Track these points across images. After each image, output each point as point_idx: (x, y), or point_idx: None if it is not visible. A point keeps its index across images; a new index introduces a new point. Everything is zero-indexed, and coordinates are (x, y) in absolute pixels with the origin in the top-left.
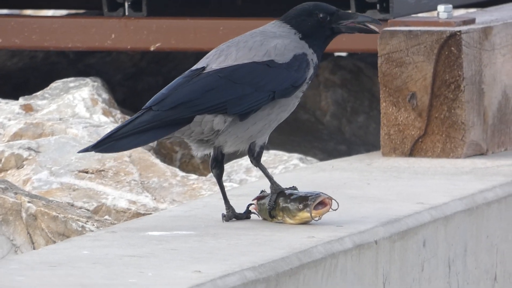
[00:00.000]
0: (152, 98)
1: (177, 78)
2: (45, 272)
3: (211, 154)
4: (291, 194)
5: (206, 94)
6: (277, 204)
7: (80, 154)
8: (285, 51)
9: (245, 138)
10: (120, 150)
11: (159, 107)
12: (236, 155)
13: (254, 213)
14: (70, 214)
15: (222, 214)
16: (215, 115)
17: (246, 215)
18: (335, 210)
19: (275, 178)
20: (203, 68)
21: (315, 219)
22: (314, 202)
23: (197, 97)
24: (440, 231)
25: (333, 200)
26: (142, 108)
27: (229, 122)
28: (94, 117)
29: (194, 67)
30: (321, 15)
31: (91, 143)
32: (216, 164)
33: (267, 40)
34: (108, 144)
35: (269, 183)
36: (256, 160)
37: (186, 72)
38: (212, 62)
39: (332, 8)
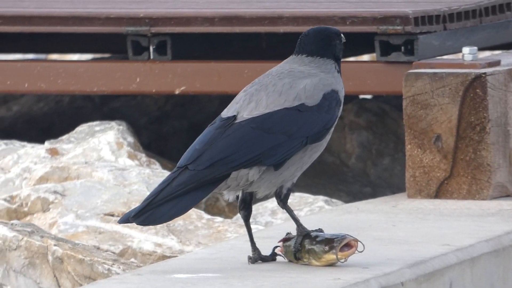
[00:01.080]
0: (186, 154)
1: (208, 128)
2: None
3: (239, 195)
4: (317, 236)
5: (240, 149)
6: (303, 246)
7: (106, 197)
8: (314, 91)
9: (278, 182)
10: (161, 222)
11: (195, 166)
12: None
13: (280, 255)
14: (96, 257)
15: (248, 256)
16: (250, 168)
17: (272, 257)
18: (361, 252)
19: (301, 220)
20: (234, 117)
21: (341, 261)
22: (340, 244)
23: (232, 152)
24: (466, 273)
25: (359, 242)
26: (177, 166)
27: (263, 171)
28: (120, 161)
29: (224, 114)
30: (342, 36)
31: (131, 209)
32: (244, 206)
33: (296, 82)
34: (148, 212)
35: (295, 225)
36: (283, 202)
37: (217, 122)
38: (243, 109)
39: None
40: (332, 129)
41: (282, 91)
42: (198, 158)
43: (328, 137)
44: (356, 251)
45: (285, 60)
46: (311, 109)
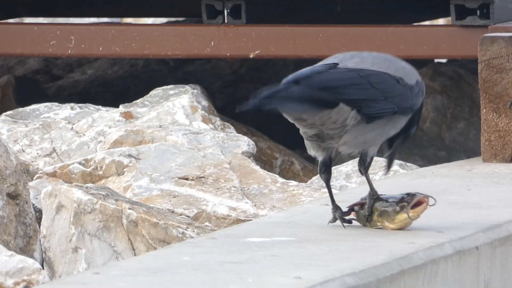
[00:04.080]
0: (290, 76)
1: (308, 67)
2: (145, 279)
3: (320, 158)
4: (388, 198)
5: (350, 87)
6: (375, 209)
7: (180, 161)
8: (411, 75)
9: (360, 143)
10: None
11: (306, 84)
12: (336, 162)
13: (355, 211)
14: (170, 220)
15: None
16: (352, 109)
17: (348, 213)
18: (433, 205)
19: (375, 184)
20: (336, 64)
21: (412, 219)
22: (410, 203)
23: (344, 85)
24: None
25: (429, 197)
26: (282, 82)
27: (357, 122)
28: (194, 124)
29: (321, 63)
30: None
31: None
32: (326, 169)
33: (395, 61)
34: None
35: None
36: (365, 170)
37: (317, 65)
38: (345, 61)
39: None
40: (410, 115)
41: (382, 63)
42: (308, 78)
43: (404, 122)
44: (428, 206)
45: None
46: (406, 86)
